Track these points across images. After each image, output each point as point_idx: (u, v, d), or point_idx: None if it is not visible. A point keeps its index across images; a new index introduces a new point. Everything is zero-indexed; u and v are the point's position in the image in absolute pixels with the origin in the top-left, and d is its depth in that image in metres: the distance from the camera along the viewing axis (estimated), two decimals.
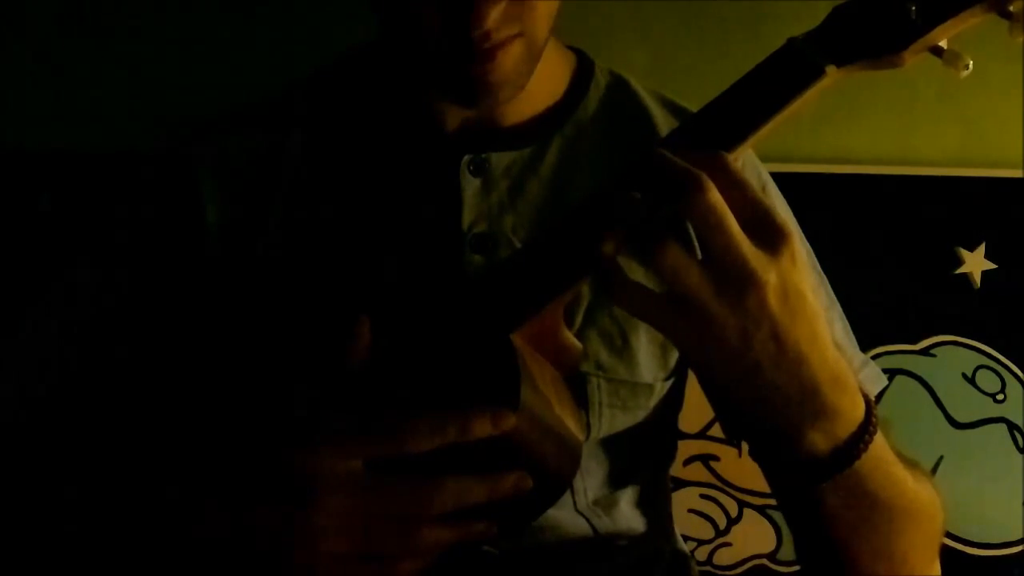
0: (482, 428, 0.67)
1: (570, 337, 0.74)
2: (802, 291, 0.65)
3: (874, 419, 0.72)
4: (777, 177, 0.98)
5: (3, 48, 1.29)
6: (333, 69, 0.94)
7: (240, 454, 0.71)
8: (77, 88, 1.29)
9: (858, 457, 0.70)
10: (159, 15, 1.29)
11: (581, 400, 0.85)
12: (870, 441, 0.71)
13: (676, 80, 1.31)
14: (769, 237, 0.64)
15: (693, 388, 0.95)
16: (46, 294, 0.91)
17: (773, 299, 0.64)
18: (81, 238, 0.93)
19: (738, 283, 0.63)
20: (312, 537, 0.67)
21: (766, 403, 0.68)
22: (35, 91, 1.30)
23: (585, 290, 0.86)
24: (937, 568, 0.83)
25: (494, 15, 0.74)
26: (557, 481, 0.73)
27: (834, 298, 0.95)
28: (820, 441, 0.69)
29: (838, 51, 0.68)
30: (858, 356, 0.94)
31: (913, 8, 0.66)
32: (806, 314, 0.66)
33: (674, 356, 0.91)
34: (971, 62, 0.66)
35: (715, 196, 0.63)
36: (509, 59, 0.77)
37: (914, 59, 0.68)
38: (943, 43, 0.68)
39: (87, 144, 1.28)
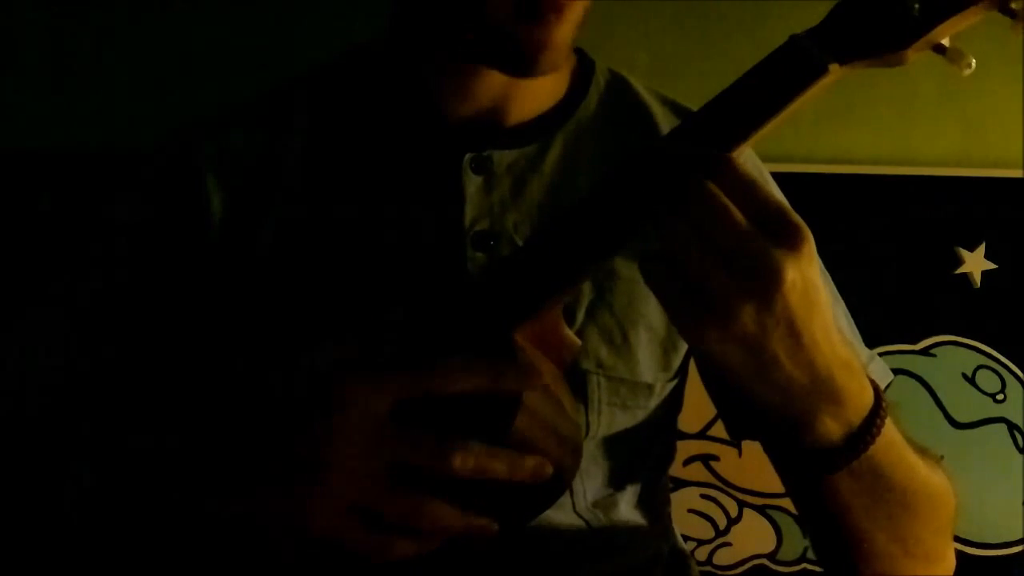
0: (514, 380, 0.68)
1: (570, 334, 0.74)
2: (818, 284, 0.65)
3: (884, 402, 0.72)
4: (777, 177, 0.98)
5: (3, 48, 1.29)
6: (335, 66, 0.93)
7: (268, 393, 0.72)
8: (77, 88, 1.29)
9: (872, 441, 0.71)
10: (159, 15, 1.29)
11: (581, 398, 0.86)
12: (882, 425, 0.71)
13: (676, 80, 1.31)
14: (786, 234, 0.64)
15: (693, 388, 0.95)
16: (49, 291, 0.91)
17: (793, 295, 0.64)
18: (86, 233, 0.93)
19: (759, 280, 0.63)
20: (323, 477, 0.66)
21: (782, 394, 0.68)
22: (35, 91, 1.30)
23: (586, 288, 0.87)
24: (952, 554, 0.83)
25: None
26: (558, 478, 0.72)
27: (838, 296, 0.95)
28: (834, 428, 0.70)
29: (841, 48, 0.68)
30: (864, 352, 0.94)
31: (916, 5, 0.66)
32: (820, 305, 0.66)
33: (677, 358, 0.91)
34: (974, 60, 0.66)
35: (719, 199, 0.63)
36: (572, 18, 0.78)
37: (916, 57, 0.68)
38: (945, 41, 0.68)
39: (87, 144, 1.28)
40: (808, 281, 0.64)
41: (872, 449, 0.71)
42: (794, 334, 0.65)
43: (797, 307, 0.64)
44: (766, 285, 0.63)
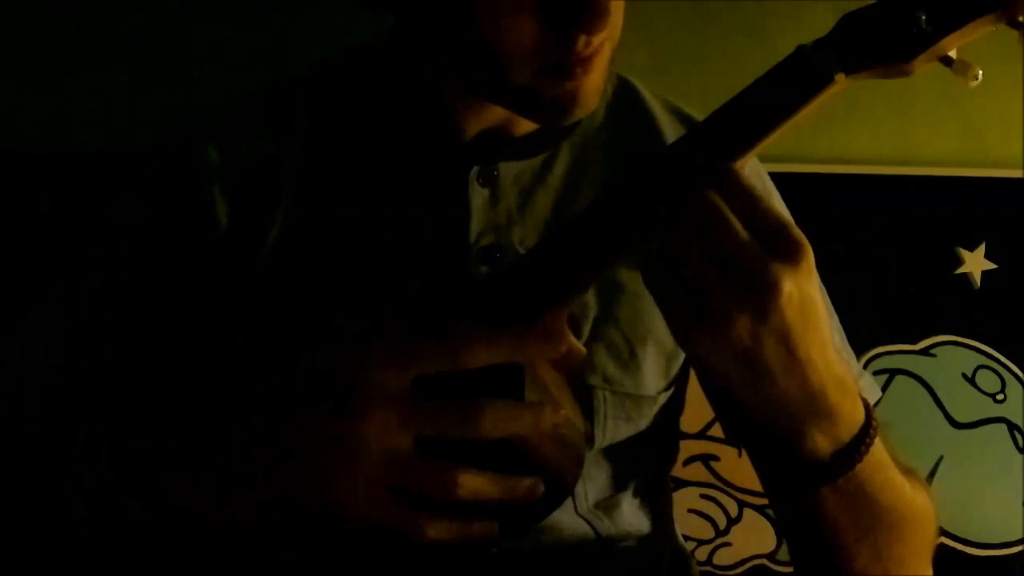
0: (538, 349, 0.67)
1: (575, 342, 0.73)
2: (816, 299, 0.65)
3: (874, 422, 0.72)
4: (777, 177, 0.98)
5: (3, 48, 1.29)
6: (336, 67, 0.92)
7: (283, 367, 0.70)
8: (77, 88, 1.29)
9: (859, 460, 0.71)
10: (159, 15, 1.29)
11: (586, 411, 0.85)
12: (871, 444, 0.71)
13: (676, 80, 1.31)
14: (786, 248, 0.64)
15: (693, 388, 0.95)
16: (50, 291, 0.90)
17: (789, 309, 0.63)
18: (88, 234, 0.92)
19: (756, 291, 0.63)
20: (353, 457, 0.65)
21: (772, 406, 0.68)
22: (35, 91, 1.30)
23: (592, 302, 0.86)
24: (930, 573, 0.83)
25: (614, 19, 0.73)
26: (560, 483, 0.72)
27: (832, 310, 0.94)
28: (823, 443, 0.70)
29: (847, 59, 0.67)
30: (855, 366, 0.94)
31: (923, 17, 0.65)
32: (818, 321, 0.66)
33: (676, 366, 0.91)
34: (981, 72, 0.66)
35: (720, 209, 0.63)
36: (601, 65, 0.76)
37: (923, 67, 0.68)
38: (952, 52, 0.68)
39: (87, 144, 1.28)
40: (805, 296, 0.64)
41: (859, 468, 0.71)
42: (788, 348, 0.65)
43: (793, 321, 0.64)
44: (763, 297, 0.63)
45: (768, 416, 0.69)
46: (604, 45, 0.76)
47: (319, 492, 0.66)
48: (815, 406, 0.68)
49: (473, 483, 0.66)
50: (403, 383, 0.65)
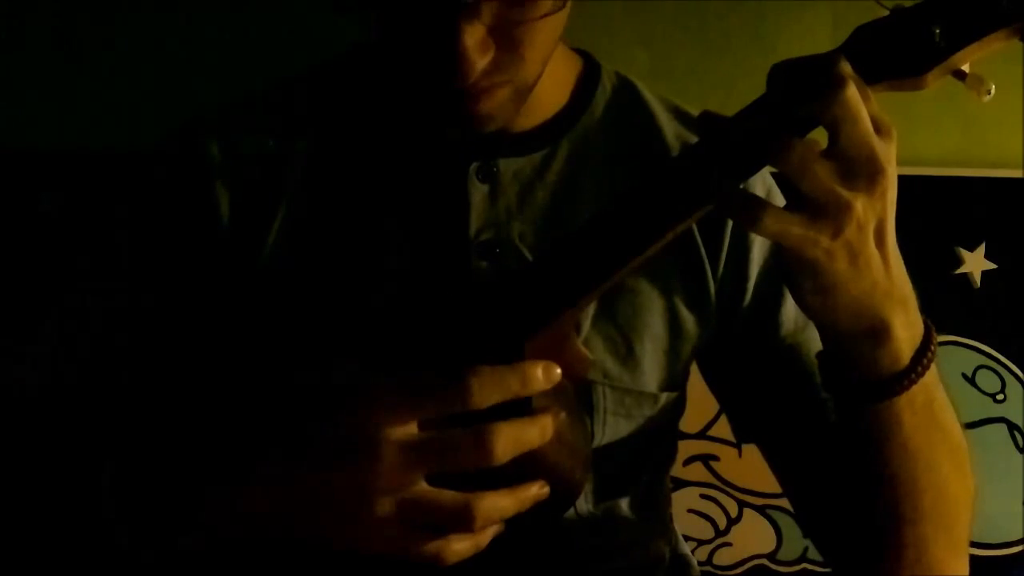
0: (536, 382, 0.68)
1: (581, 347, 0.73)
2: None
3: (930, 325, 0.75)
4: (778, 177, 0.98)
5: (4, 48, 1.29)
6: (338, 66, 0.93)
7: (285, 420, 0.70)
8: (78, 87, 1.30)
9: (931, 361, 0.74)
10: (160, 14, 1.29)
11: (586, 407, 0.86)
12: (935, 347, 0.74)
13: (676, 80, 1.31)
14: (886, 133, 0.69)
15: (693, 388, 0.95)
16: (61, 293, 0.90)
17: (890, 187, 0.68)
18: (95, 236, 0.92)
19: (870, 171, 0.67)
20: (363, 506, 0.66)
21: (868, 297, 0.71)
22: (35, 91, 1.30)
23: None
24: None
25: (480, 67, 0.73)
26: (568, 487, 0.73)
27: None
28: (904, 337, 0.73)
29: (860, 71, 0.68)
30: None
31: (937, 31, 0.66)
32: (895, 206, 0.70)
33: (679, 367, 0.91)
34: (993, 87, 0.67)
35: (855, 91, 0.66)
36: (495, 100, 0.77)
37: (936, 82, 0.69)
38: (966, 67, 0.68)
39: (88, 143, 1.28)
40: (892, 181, 0.69)
41: (928, 375, 0.74)
42: (881, 233, 0.69)
43: (890, 200, 0.69)
44: (872, 171, 0.67)
45: (863, 309, 0.71)
46: (502, 86, 0.77)
47: (334, 539, 0.68)
48: (897, 295, 0.72)
49: (488, 507, 0.67)
50: (409, 431, 0.66)
